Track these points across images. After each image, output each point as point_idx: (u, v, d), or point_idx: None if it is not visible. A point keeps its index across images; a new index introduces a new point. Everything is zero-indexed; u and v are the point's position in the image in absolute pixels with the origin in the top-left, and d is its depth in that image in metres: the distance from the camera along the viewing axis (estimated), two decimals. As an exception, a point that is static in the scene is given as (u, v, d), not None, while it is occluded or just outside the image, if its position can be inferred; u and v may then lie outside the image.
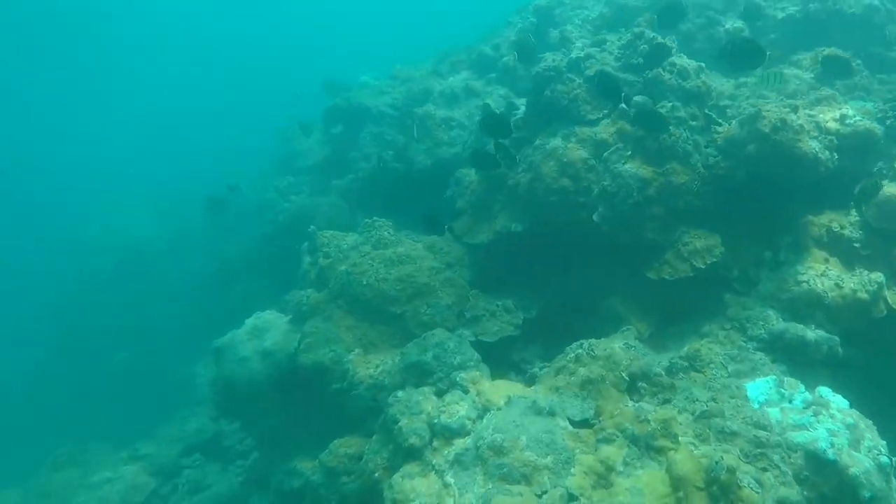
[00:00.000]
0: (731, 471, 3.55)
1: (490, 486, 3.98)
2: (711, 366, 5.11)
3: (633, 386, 5.12)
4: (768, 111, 5.57)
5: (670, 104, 6.16)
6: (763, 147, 5.52)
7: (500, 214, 7.25)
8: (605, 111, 6.68)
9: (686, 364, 5.21)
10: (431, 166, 10.18)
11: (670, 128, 6.01)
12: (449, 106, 11.80)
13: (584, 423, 4.66)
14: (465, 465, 4.25)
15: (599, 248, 6.46)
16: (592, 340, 5.39)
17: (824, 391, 4.42)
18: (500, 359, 6.45)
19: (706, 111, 6.27)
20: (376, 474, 4.84)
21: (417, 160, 10.32)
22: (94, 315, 18.17)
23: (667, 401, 4.84)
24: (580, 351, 5.28)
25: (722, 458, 3.61)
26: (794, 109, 5.59)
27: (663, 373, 5.12)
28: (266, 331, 6.77)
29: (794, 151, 5.36)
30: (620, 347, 5.33)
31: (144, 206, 22.06)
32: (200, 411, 9.85)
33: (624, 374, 5.06)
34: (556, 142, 6.69)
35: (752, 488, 3.57)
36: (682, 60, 6.49)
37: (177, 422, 9.24)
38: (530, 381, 5.92)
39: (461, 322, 6.61)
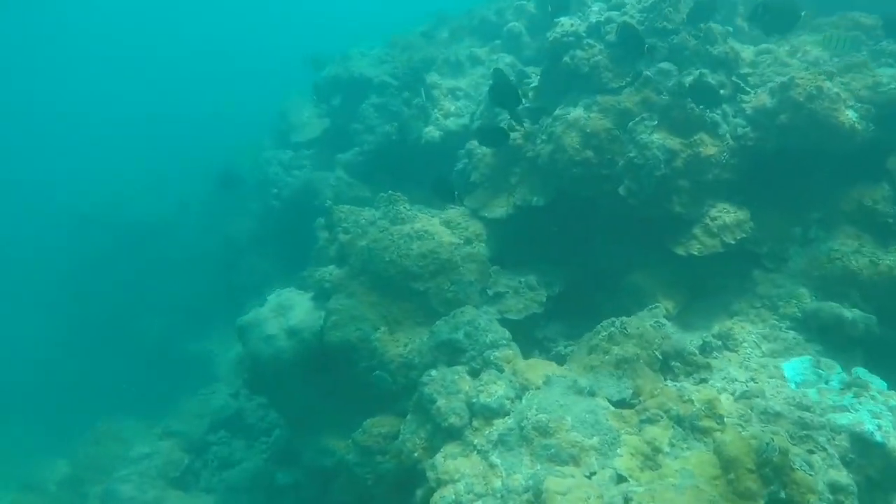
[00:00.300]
0: (784, 452, 3.55)
1: (539, 467, 3.97)
2: (745, 345, 5.11)
3: (666, 365, 5.12)
4: (802, 79, 5.45)
5: (698, 71, 6.02)
6: (796, 117, 5.42)
7: (518, 187, 7.13)
8: (628, 79, 6.52)
9: (719, 343, 5.20)
10: (440, 138, 10.01)
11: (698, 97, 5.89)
12: (454, 75, 11.55)
13: (621, 403, 4.66)
14: (510, 445, 4.23)
15: (624, 222, 6.39)
16: (624, 318, 5.35)
17: (861, 372, 4.42)
18: (523, 336, 6.40)
19: (734, 79, 6.13)
20: (415, 454, 4.83)
21: (425, 132, 10.12)
22: (97, 292, 18.11)
23: (703, 380, 4.84)
24: (612, 329, 5.24)
25: (773, 439, 3.60)
26: (830, 77, 5.47)
27: (697, 352, 5.11)
28: (290, 308, 6.69)
29: (829, 121, 5.26)
30: (651, 325, 5.31)
31: (142, 182, 21.80)
32: (220, 388, 9.86)
33: (657, 353, 5.05)
34: (578, 112, 6.54)
35: (804, 471, 3.57)
36: (707, 23, 6.32)
37: (200, 398, 9.29)
38: (556, 359, 5.92)
39: (484, 299, 6.56)
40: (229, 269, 13.88)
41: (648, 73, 6.27)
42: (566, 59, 6.87)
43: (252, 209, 15.35)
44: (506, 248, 7.18)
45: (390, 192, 8.12)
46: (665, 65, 6.25)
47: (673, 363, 5.12)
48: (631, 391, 4.72)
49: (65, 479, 8.37)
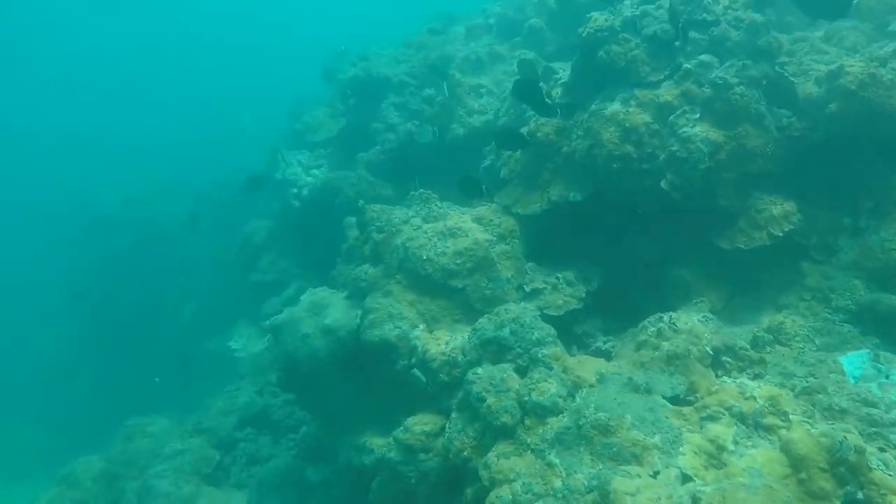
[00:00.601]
0: (860, 451, 3.44)
1: (601, 467, 3.88)
2: (797, 339, 5.00)
3: (716, 360, 5.02)
4: (852, 66, 5.34)
5: (741, 62, 5.91)
6: (848, 105, 5.31)
7: (553, 183, 7.04)
8: (667, 72, 6.42)
9: (770, 337, 5.09)
10: (464, 135, 9.94)
11: (741, 88, 5.79)
12: (475, 73, 11.46)
13: (675, 400, 4.56)
14: (568, 444, 4.14)
15: (664, 216, 6.29)
16: (672, 314, 5.26)
17: (924, 364, 4.32)
18: (561, 332, 6.29)
19: (777, 69, 6.02)
20: (464, 453, 4.75)
21: (450, 129, 10.04)
22: (115, 292, 18.22)
23: (758, 376, 4.74)
24: (661, 325, 5.15)
25: (845, 437, 3.50)
26: (883, 63, 5.34)
27: (748, 347, 5.01)
28: (325, 307, 6.62)
29: (884, 108, 5.14)
30: (699, 320, 5.21)
31: (157, 184, 21.90)
32: (245, 386, 9.82)
33: (707, 349, 4.95)
34: (616, 106, 6.44)
35: (882, 471, 3.47)
36: (748, 14, 6.21)
37: (226, 395, 9.26)
38: (595, 355, 5.83)
39: (521, 296, 6.48)
40: (248, 267, 13.84)
41: (689, 65, 6.17)
42: (601, 53, 6.77)
43: (267, 208, 15.35)
44: (540, 243, 7.10)
45: (422, 190, 8.05)
46: (705, 57, 6.14)
47: (724, 358, 5.02)
48: (685, 387, 4.62)
49: (100, 474, 8.38)
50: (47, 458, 15.66)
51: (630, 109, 6.30)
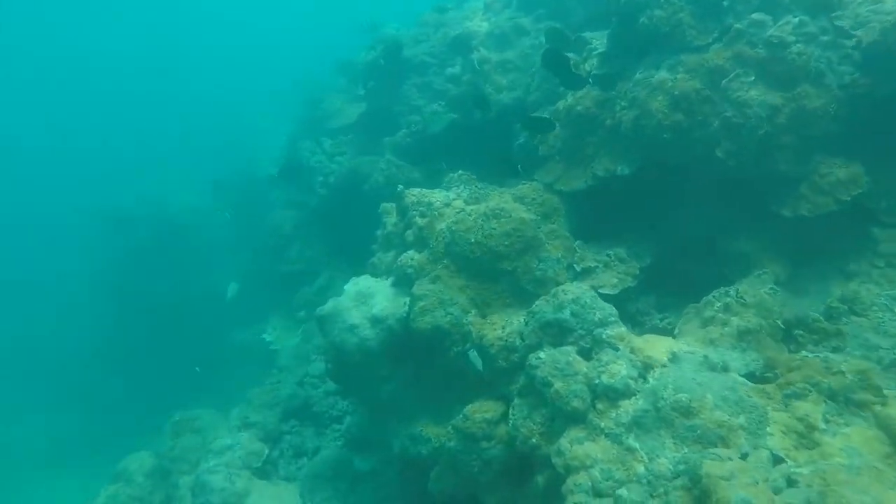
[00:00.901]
0: (971, 422, 3.25)
1: (686, 450, 3.73)
2: (874, 308, 4.78)
3: (788, 334, 4.82)
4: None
5: (797, 19, 5.61)
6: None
7: (597, 158, 6.81)
8: (715, 35, 6.14)
9: (845, 308, 4.88)
10: (494, 113, 9.68)
11: (799, 46, 5.50)
12: (500, 48, 11.15)
13: (751, 377, 4.38)
14: (647, 427, 3.99)
15: (719, 185, 6.05)
16: (738, 287, 5.06)
17: None
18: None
19: (836, 23, 5.71)
20: (532, 440, 4.62)
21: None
22: (142, 286, 18.32)
23: (837, 349, 4.54)
24: (728, 300, 4.96)
25: (952, 407, 3.30)
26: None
27: (822, 318, 4.80)
28: (371, 296, 6.50)
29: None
30: (767, 293, 5.01)
31: (179, 177, 21.92)
32: (286, 377, 9.79)
33: (779, 322, 4.76)
34: (662, 74, 6.18)
35: None
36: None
37: (268, 388, 9.23)
38: (653, 332, 5.65)
39: (571, 275, 6.31)
40: (277, 258, 13.76)
41: (740, 25, 5.87)
42: (643, 19, 6.50)
43: (287, 198, 15.24)
44: (586, 221, 6.90)
45: (460, 171, 7.88)
46: (758, 15, 5.85)
47: (796, 332, 4.83)
48: (760, 364, 4.44)
49: (151, 470, 8.42)
50: (80, 449, 16.05)
51: (678, 76, 6.04)
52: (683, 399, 3.93)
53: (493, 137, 9.37)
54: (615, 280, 6.05)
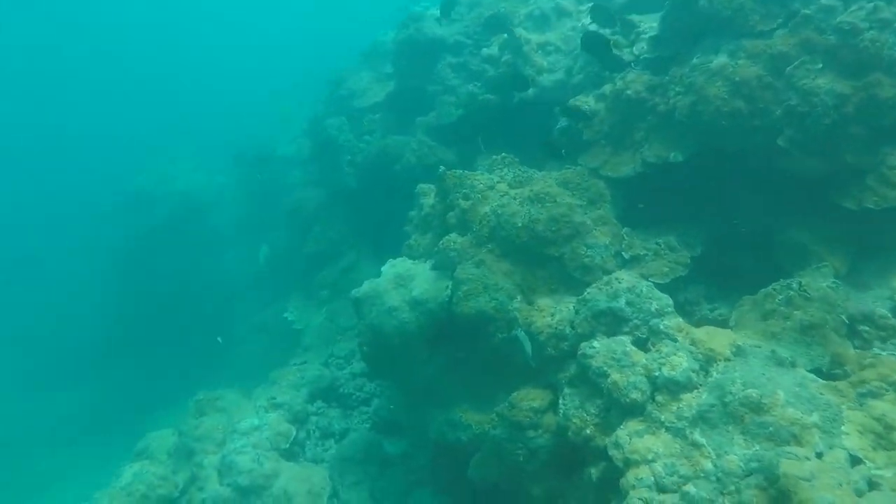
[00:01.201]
0: None
1: (757, 448, 3.60)
2: (946, 302, 4.59)
3: (853, 330, 4.66)
4: None
5: (871, 4, 5.37)
6: None
7: (647, 143, 6.63)
8: (780, 20, 5.90)
9: (915, 302, 4.69)
10: (534, 95, 9.47)
11: (872, 33, 5.27)
12: (540, 29, 10.90)
13: (817, 374, 4.24)
14: (713, 422, 3.87)
15: (778, 175, 5.85)
16: (801, 280, 4.89)
17: None
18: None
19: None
20: (586, 431, 4.51)
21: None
22: (157, 265, 18.33)
23: (908, 344, 4.37)
24: (790, 292, 4.79)
25: None
26: None
27: (889, 314, 4.63)
28: (410, 279, 6.38)
29: None
30: (829, 286, 4.84)
31: (192, 158, 21.85)
32: (311, 358, 9.71)
33: (843, 317, 4.59)
34: (722, 59, 5.97)
35: None
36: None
37: (294, 368, 9.13)
38: (704, 323, 5.49)
39: (619, 263, 6.15)
40: (299, 238, 13.66)
41: (808, 11, 5.64)
42: (703, 2, 6.26)
43: (313, 176, 15.12)
44: (632, 207, 6.73)
45: (503, 154, 7.72)
46: (827, 0, 5.61)
47: (861, 328, 4.66)
48: (827, 360, 4.28)
49: (173, 449, 8.32)
50: (94, 427, 16.22)
51: (740, 62, 5.83)
52: (754, 395, 3.79)
53: (532, 120, 9.19)
54: (666, 269, 5.89)
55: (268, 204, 17.76)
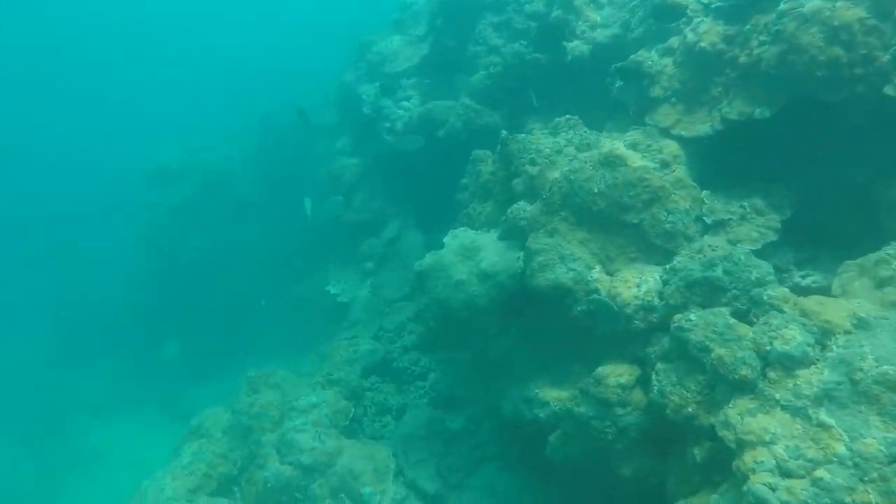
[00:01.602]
0: None
1: (901, 430, 3.28)
2: None
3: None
4: None
5: None
6: None
7: (725, 100, 6.18)
8: (883, -44, 5.34)
9: None
10: (589, 52, 8.96)
11: None
12: (588, -19, 10.28)
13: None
14: (842, 402, 3.55)
15: (882, 127, 5.38)
16: (921, 244, 4.48)
17: None
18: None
19: None
20: (688, 409, 4.23)
21: (570, 47, 9.07)
22: (189, 239, 18.24)
23: None
24: (909, 256, 4.39)
25: None
26: None
27: None
28: (476, 250, 6.09)
29: None
30: (950, 249, 4.43)
31: (219, 129, 21.63)
32: (361, 332, 9.51)
33: (970, 283, 4.19)
34: (816, 2, 5.44)
35: None
36: None
37: (345, 343, 8.95)
38: (797, 292, 5.11)
39: (701, 228, 5.78)
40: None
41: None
42: (790, -63, 5.71)
43: (346, 145, 14.77)
44: (709, 169, 6.32)
45: (568, 116, 7.30)
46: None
47: None
48: (958, 332, 3.90)
49: (228, 427, 8.25)
50: (136, 395, 16.67)
51: (837, 4, 5.30)
52: (891, 372, 3.45)
53: (586, 80, 8.71)
54: (755, 234, 5.50)
55: (297, 175, 17.53)
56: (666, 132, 6.52)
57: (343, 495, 6.57)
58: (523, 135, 6.72)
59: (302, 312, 13.87)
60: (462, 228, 6.77)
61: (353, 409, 7.72)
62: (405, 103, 12.83)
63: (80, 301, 19.99)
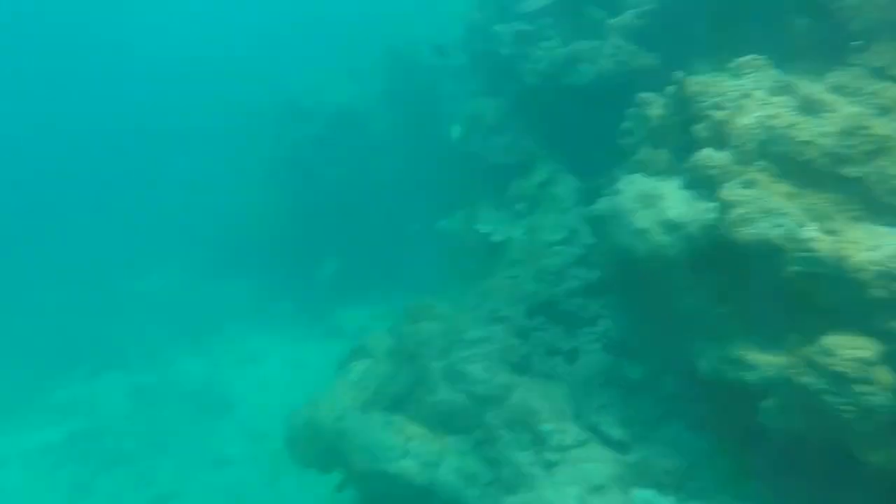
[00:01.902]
0: None
1: None
2: None
3: None
4: None
5: None
6: None
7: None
8: None
9: None
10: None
11: None
12: None
13: None
14: None
15: None
16: None
17: None
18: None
19: None
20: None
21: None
22: (319, 173, 18.83)
23: None
24: None
25: None
26: None
27: None
28: (658, 199, 5.94)
29: None
30: None
31: (344, 68, 21.79)
32: (521, 272, 9.46)
33: None
34: None
35: None
36: None
37: (506, 281, 9.00)
38: None
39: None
40: (478, 149, 13.24)
41: None
42: None
43: (481, 86, 14.53)
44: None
45: (752, 55, 6.79)
46: None
47: None
48: None
49: (391, 350, 8.66)
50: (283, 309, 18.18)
51: None
52: None
53: (768, 15, 7.97)
54: None
55: (431, 113, 17.55)
56: (881, 72, 5.92)
57: (520, 428, 6.79)
58: (703, 77, 6.34)
59: (449, 247, 14.01)
60: (637, 174, 6.57)
61: (522, 347, 7.86)
62: (545, 44, 12.36)
63: (230, 222, 21.30)
